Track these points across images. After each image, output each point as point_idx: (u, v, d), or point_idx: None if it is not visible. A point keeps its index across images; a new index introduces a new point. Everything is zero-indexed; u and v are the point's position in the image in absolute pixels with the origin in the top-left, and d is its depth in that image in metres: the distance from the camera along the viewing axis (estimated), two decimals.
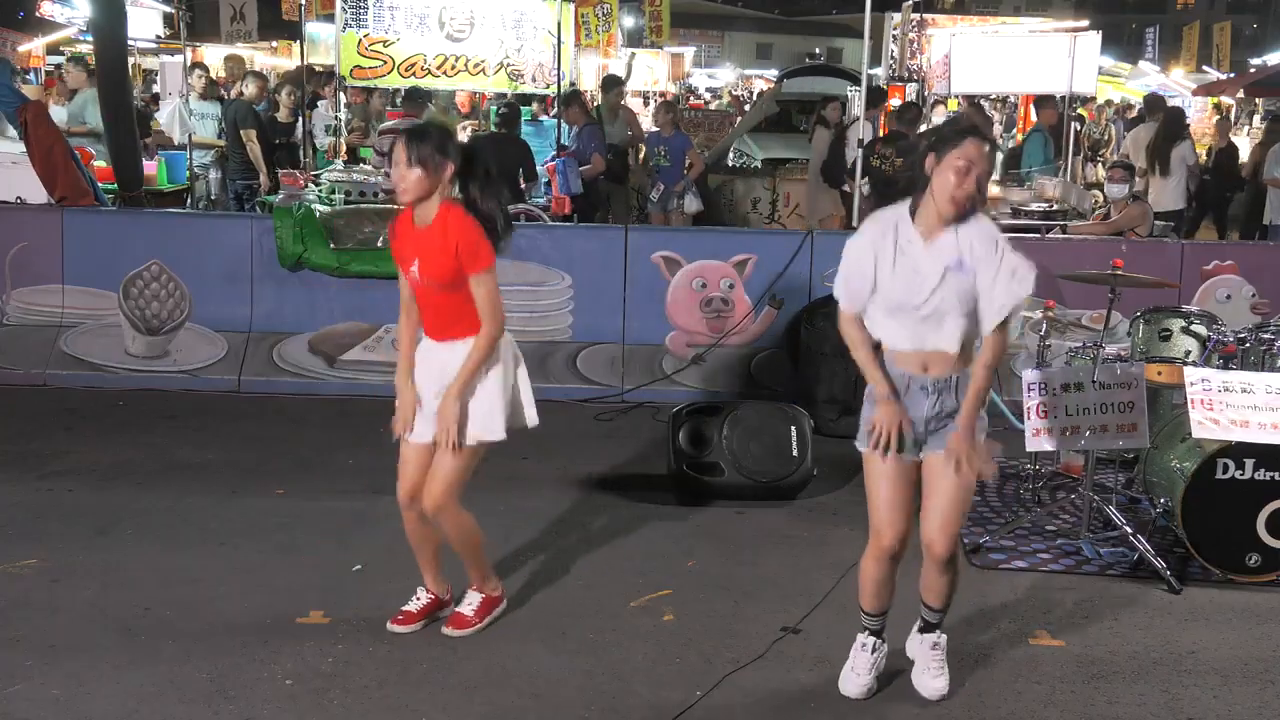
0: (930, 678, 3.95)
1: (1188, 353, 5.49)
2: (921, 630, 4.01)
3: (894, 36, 14.37)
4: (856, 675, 3.94)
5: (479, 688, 3.94)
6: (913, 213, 3.67)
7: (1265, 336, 5.35)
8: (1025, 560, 5.10)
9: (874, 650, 3.96)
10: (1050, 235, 8.97)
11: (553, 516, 5.49)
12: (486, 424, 4.10)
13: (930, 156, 3.57)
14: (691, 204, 10.53)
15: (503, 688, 3.95)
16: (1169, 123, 11.41)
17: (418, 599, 4.38)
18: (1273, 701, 4.01)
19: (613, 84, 12.20)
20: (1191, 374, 4.94)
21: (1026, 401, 5.22)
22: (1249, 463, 4.82)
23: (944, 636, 4.01)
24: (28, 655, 4.03)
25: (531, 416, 4.30)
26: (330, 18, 13.07)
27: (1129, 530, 5.02)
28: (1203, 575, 4.91)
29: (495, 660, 4.12)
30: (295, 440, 6.51)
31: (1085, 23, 18.05)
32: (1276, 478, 4.81)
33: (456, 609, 4.37)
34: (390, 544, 4.89)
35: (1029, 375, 5.23)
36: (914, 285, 3.62)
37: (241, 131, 10.38)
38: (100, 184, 9.10)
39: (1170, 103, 15.10)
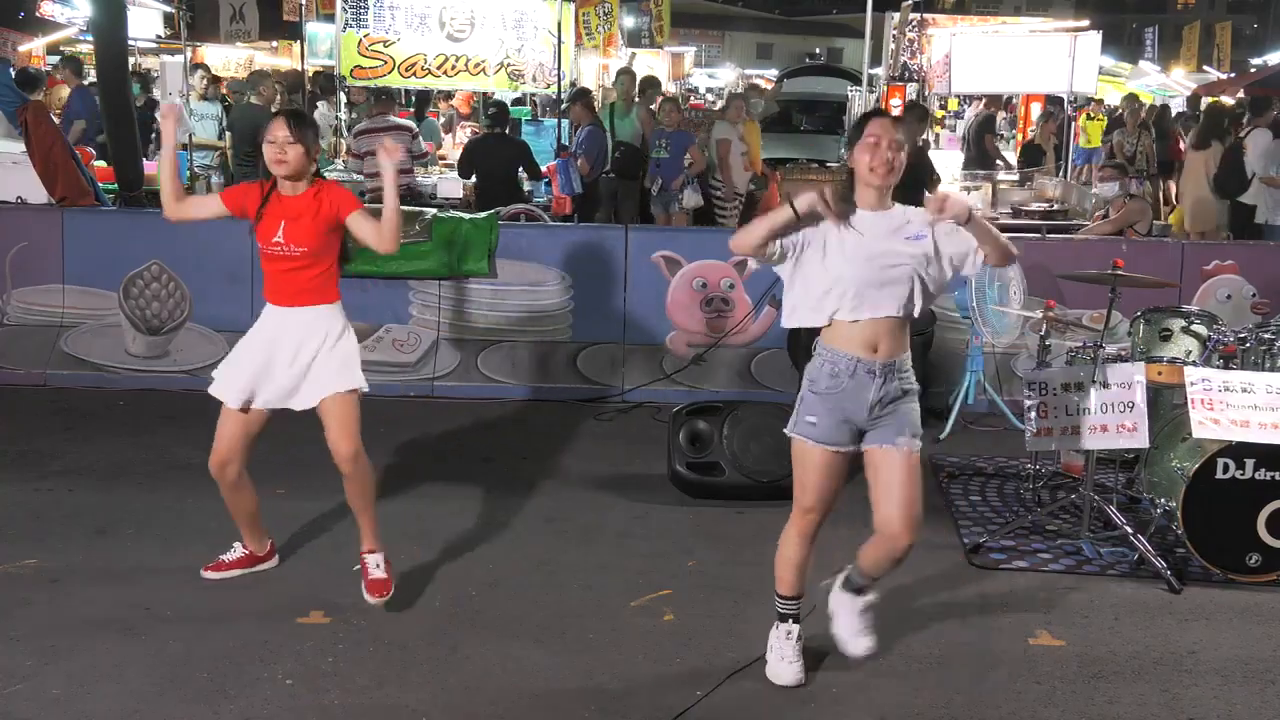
0: (864, 637, 4.05)
1: (1188, 352, 5.48)
2: (856, 591, 4.06)
3: (893, 37, 14.35)
4: (790, 664, 3.98)
5: (479, 688, 3.94)
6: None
7: (1265, 336, 5.34)
8: (1025, 560, 5.10)
9: (799, 638, 4.02)
10: (1052, 235, 8.96)
11: (553, 516, 5.50)
12: (359, 376, 4.44)
13: (848, 154, 3.85)
14: (691, 198, 10.52)
15: (503, 688, 3.95)
16: None
17: (234, 551, 4.73)
18: (1273, 701, 4.01)
19: (622, 74, 12.24)
20: (1192, 374, 4.94)
21: (1026, 401, 5.22)
22: (1249, 463, 4.82)
23: (874, 596, 4.11)
24: (28, 655, 4.03)
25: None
26: (331, 18, 13.08)
27: (1129, 530, 5.02)
28: (1203, 575, 4.91)
29: (495, 660, 4.12)
30: (295, 440, 6.48)
31: (1085, 22, 18.06)
32: (1277, 478, 4.81)
33: (371, 576, 4.47)
34: (390, 544, 4.88)
35: (1029, 375, 5.23)
36: (873, 248, 3.71)
37: None
38: (100, 184, 9.11)
39: (1171, 103, 15.08)
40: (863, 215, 3.77)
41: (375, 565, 4.53)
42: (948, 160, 12.16)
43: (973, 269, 3.84)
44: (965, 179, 12.30)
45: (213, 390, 4.46)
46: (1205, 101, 19.76)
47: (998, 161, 14.17)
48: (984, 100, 15.38)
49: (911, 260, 3.73)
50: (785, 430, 3.91)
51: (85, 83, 12.01)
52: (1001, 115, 18.21)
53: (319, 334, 4.38)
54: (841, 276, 3.71)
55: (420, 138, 10.91)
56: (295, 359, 4.36)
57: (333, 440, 4.39)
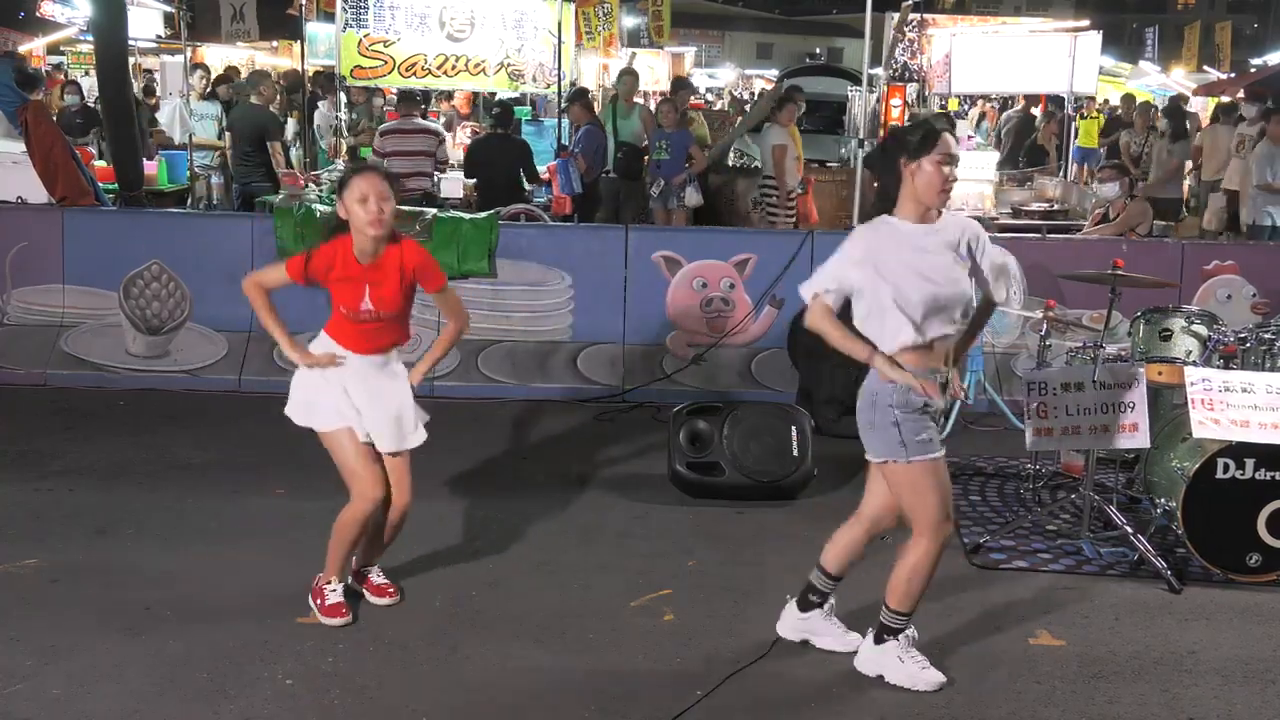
0: (851, 634, 4.16)
1: (1188, 352, 5.48)
2: (820, 602, 4.18)
3: (893, 37, 14.34)
4: (929, 667, 3.98)
5: (479, 688, 3.94)
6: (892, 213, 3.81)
7: (1266, 336, 5.34)
8: (1026, 560, 5.10)
9: (914, 639, 4.03)
10: (1052, 235, 8.96)
11: (553, 516, 5.50)
12: (419, 431, 4.41)
13: (904, 159, 3.71)
14: (692, 197, 10.51)
15: (503, 688, 3.95)
16: None
17: (336, 592, 4.37)
18: (1273, 701, 4.01)
19: (625, 75, 12.27)
20: (1192, 374, 4.94)
21: (1026, 401, 5.21)
22: (1249, 462, 4.82)
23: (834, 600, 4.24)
24: (28, 655, 4.03)
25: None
26: (332, 17, 13.10)
27: (1129, 530, 5.02)
28: (1203, 575, 4.91)
29: (495, 660, 4.12)
30: (295, 440, 6.45)
31: (1085, 22, 18.02)
32: (1277, 478, 4.81)
33: (375, 583, 4.53)
34: (390, 544, 4.89)
35: (1029, 375, 5.23)
36: (946, 274, 3.72)
37: (269, 144, 10.34)
38: (100, 184, 9.11)
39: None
40: (913, 229, 3.74)
41: (376, 574, 4.57)
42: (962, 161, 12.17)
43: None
44: (1002, 179, 12.25)
45: (306, 421, 4.43)
46: (1200, 100, 19.76)
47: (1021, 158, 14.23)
48: (1021, 100, 15.40)
49: (965, 272, 3.78)
50: (901, 461, 3.73)
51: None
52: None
53: (398, 374, 4.38)
54: (921, 299, 3.67)
55: (446, 143, 10.86)
56: (381, 401, 4.30)
57: (398, 491, 4.35)
